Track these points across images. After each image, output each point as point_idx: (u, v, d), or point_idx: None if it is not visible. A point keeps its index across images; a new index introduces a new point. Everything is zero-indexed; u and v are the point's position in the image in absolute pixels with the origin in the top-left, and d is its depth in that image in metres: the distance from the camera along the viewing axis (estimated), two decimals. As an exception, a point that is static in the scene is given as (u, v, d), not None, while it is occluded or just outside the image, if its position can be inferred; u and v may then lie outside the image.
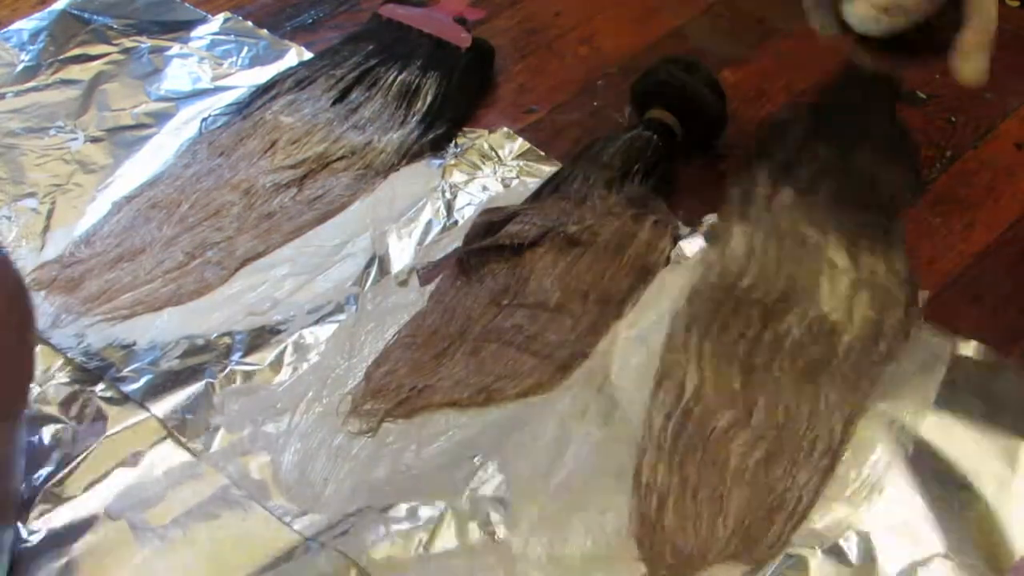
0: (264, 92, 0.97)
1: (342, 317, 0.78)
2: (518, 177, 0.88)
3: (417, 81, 0.96)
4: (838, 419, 0.68)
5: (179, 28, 1.06)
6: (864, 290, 0.73)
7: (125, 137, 0.94)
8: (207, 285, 0.81)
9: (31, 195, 0.89)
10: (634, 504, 0.66)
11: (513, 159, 0.90)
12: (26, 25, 1.05)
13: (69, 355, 0.75)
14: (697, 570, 0.63)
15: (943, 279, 0.79)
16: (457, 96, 0.95)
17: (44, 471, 0.68)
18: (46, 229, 0.86)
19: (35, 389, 0.72)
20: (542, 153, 0.90)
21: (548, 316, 0.77)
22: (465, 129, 0.93)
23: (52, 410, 0.72)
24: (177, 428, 0.71)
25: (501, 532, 0.65)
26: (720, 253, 0.77)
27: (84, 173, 0.91)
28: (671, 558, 0.63)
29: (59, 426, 0.71)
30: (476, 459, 0.69)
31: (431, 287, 0.80)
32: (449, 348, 0.75)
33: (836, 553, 0.63)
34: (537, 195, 0.85)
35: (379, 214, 0.86)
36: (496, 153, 0.91)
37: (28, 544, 0.64)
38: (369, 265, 0.82)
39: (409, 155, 0.91)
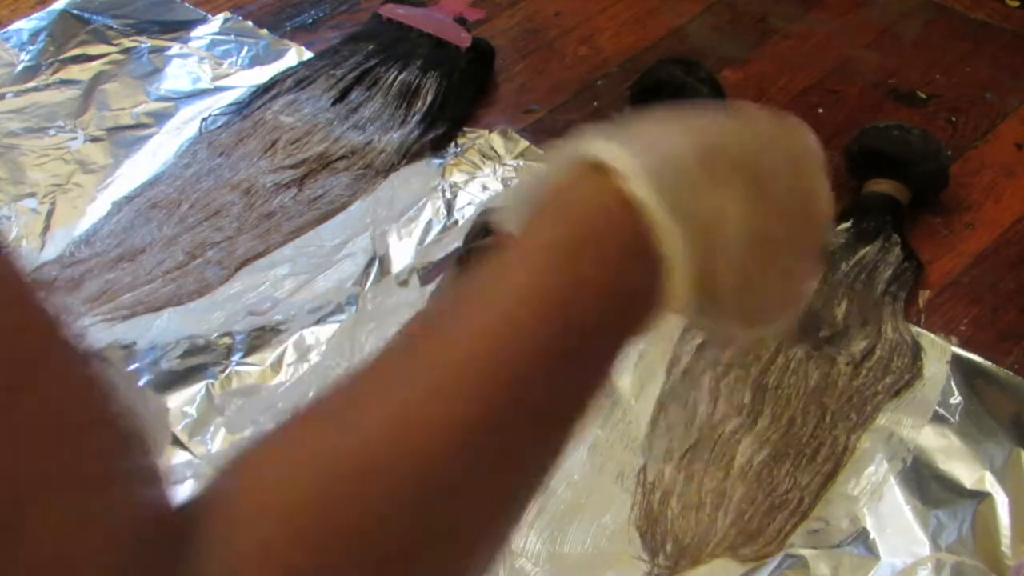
0: (264, 92, 0.97)
1: (342, 317, 0.78)
2: (518, 177, 0.88)
3: (417, 81, 0.96)
4: (841, 431, 0.68)
5: (179, 28, 1.06)
6: (873, 337, 0.73)
7: (125, 137, 0.94)
8: (207, 285, 0.81)
9: (31, 195, 0.89)
10: (638, 497, 0.66)
11: (513, 159, 0.90)
12: (26, 25, 1.05)
13: (69, 355, 0.75)
14: (696, 561, 0.63)
15: (943, 279, 0.79)
16: (457, 96, 0.95)
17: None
18: (46, 229, 0.86)
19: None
20: (542, 153, 0.90)
21: (548, 316, 0.76)
22: (465, 129, 0.93)
23: (52, 410, 0.72)
24: (178, 428, 0.71)
25: (502, 532, 0.65)
26: None
27: (84, 173, 0.91)
28: (672, 548, 0.64)
29: (59, 426, 0.71)
30: (477, 459, 0.68)
31: (431, 287, 0.80)
32: (449, 348, 0.75)
33: (836, 553, 0.63)
34: (537, 195, 0.85)
35: (379, 214, 0.86)
36: (496, 153, 0.91)
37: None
38: (369, 265, 0.82)
39: (409, 155, 0.91)
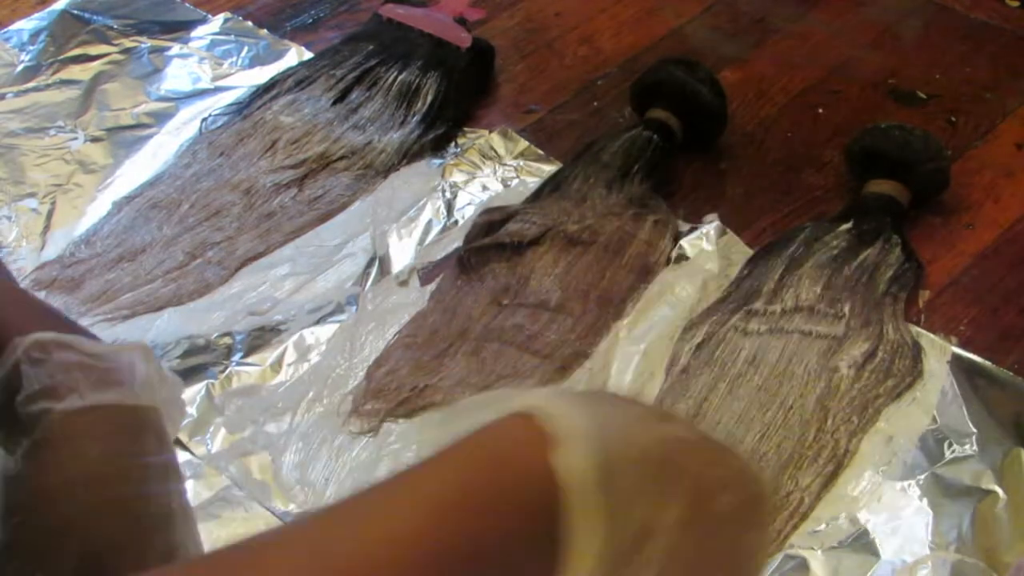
0: (264, 92, 0.97)
1: (342, 317, 0.78)
2: (518, 177, 0.88)
3: (417, 81, 0.96)
4: (843, 433, 0.68)
5: (179, 28, 1.06)
6: (875, 339, 0.73)
7: (125, 137, 0.94)
8: (207, 285, 0.81)
9: (31, 195, 0.89)
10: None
11: (513, 159, 0.90)
12: (26, 25, 1.05)
13: (70, 355, 0.75)
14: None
15: (943, 279, 0.79)
16: (457, 96, 0.95)
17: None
18: (46, 229, 0.86)
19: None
20: (542, 153, 0.90)
21: (549, 316, 0.77)
22: (465, 129, 0.93)
23: (53, 410, 0.72)
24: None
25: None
26: (736, 284, 0.78)
27: (84, 173, 0.91)
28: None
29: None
30: (477, 459, 0.68)
31: (431, 287, 0.80)
32: (450, 348, 0.75)
33: (836, 553, 0.63)
34: (537, 195, 0.85)
35: (379, 214, 0.86)
36: (496, 153, 0.91)
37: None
38: (369, 265, 0.82)
39: (409, 155, 0.91)
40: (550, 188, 0.85)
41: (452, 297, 0.79)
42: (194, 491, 0.67)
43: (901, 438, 0.68)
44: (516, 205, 0.84)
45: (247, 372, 0.75)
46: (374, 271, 0.82)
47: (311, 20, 1.07)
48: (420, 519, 0.32)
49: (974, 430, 0.68)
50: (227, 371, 0.74)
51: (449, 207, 0.86)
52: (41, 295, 0.80)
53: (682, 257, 0.80)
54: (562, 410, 0.33)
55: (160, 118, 0.96)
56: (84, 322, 0.78)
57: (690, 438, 0.36)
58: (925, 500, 0.65)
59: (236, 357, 0.75)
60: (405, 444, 0.70)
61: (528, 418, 0.33)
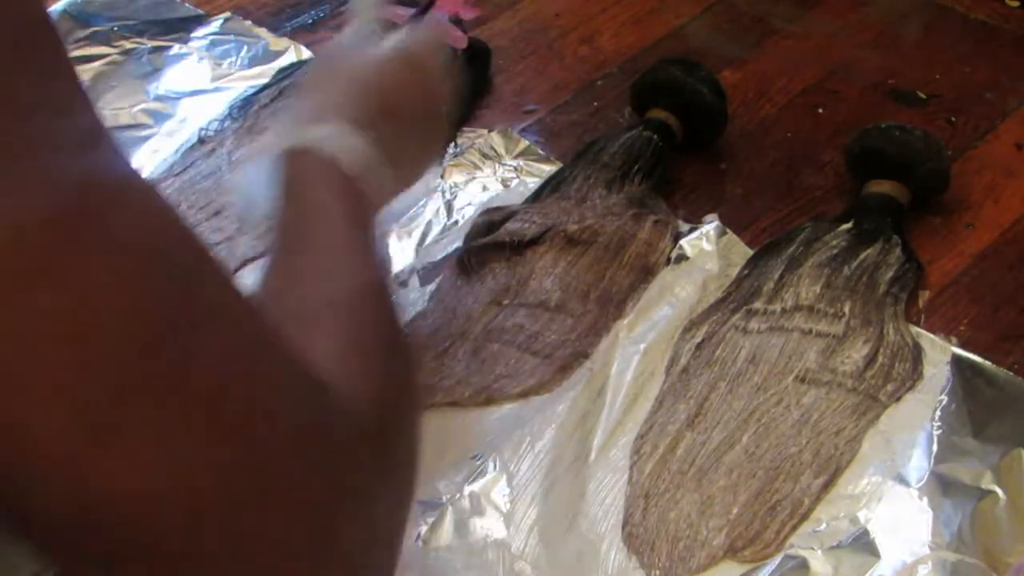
0: (263, 93, 0.97)
1: (342, 317, 0.78)
2: (518, 177, 0.88)
3: (417, 81, 0.95)
4: (843, 437, 0.68)
5: (179, 28, 1.05)
6: (875, 340, 0.73)
7: (124, 137, 0.94)
8: (207, 285, 0.81)
9: (31, 195, 0.89)
10: (635, 500, 0.66)
11: (513, 159, 0.90)
12: (26, 25, 1.05)
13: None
14: (695, 564, 0.63)
15: (943, 279, 0.79)
16: (455, 96, 0.95)
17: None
18: (46, 229, 0.86)
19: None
20: (542, 153, 0.90)
21: (549, 316, 0.77)
22: (465, 129, 0.93)
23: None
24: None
25: (500, 531, 0.65)
26: (736, 284, 0.78)
27: (84, 173, 0.91)
28: (669, 551, 0.63)
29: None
30: (476, 459, 0.68)
31: (431, 287, 0.80)
32: (450, 348, 0.75)
33: (836, 553, 0.63)
34: (537, 195, 0.85)
35: (379, 214, 0.86)
36: (496, 153, 0.91)
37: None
38: (369, 265, 0.82)
39: (409, 155, 0.90)
40: (550, 188, 0.85)
41: (452, 297, 0.79)
42: (194, 491, 0.67)
43: (901, 438, 0.68)
44: (516, 205, 0.84)
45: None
46: (374, 271, 0.81)
47: (311, 20, 1.07)
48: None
49: (974, 430, 0.68)
50: (227, 371, 0.74)
51: (449, 207, 0.86)
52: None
53: (682, 257, 0.80)
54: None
55: (159, 118, 0.96)
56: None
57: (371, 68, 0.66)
58: (925, 500, 0.65)
59: (236, 357, 0.75)
60: (405, 444, 0.70)
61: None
